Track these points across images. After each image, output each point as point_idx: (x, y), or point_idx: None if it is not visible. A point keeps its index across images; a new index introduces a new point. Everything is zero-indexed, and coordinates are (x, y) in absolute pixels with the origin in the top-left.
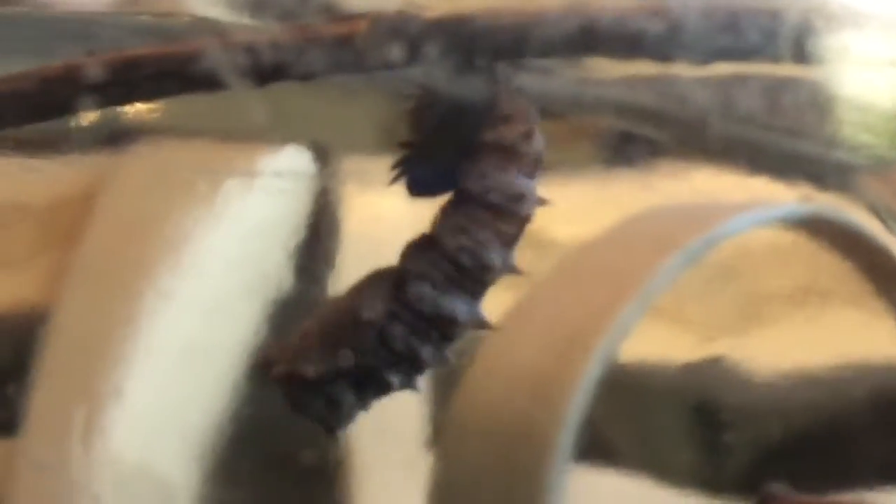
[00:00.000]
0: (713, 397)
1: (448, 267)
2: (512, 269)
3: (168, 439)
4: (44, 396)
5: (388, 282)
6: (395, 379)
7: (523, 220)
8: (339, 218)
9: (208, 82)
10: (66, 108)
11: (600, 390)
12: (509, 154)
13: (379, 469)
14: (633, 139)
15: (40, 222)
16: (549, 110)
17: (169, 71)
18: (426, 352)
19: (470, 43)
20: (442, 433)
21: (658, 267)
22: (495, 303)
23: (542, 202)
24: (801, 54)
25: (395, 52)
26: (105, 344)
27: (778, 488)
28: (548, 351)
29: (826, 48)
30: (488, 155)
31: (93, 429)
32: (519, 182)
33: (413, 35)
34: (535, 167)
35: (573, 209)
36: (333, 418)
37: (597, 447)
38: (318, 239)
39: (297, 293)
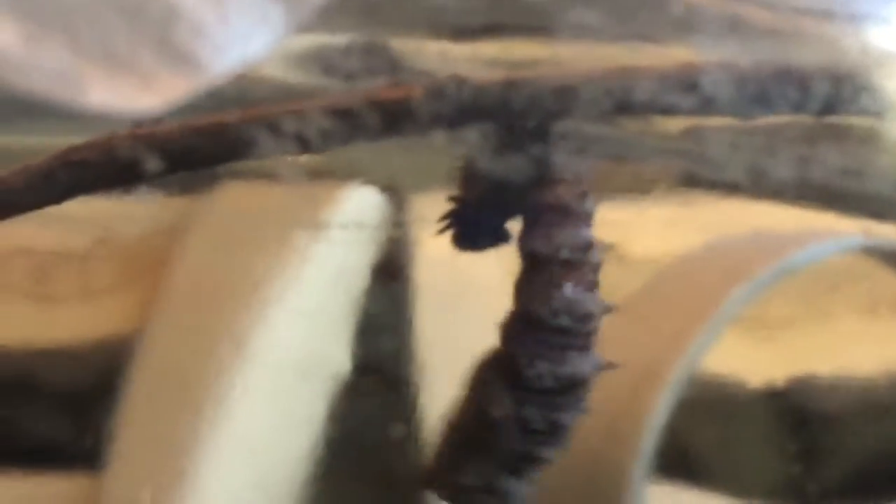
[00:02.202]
0: (798, 412)
1: (552, 335)
2: (608, 309)
3: (256, 489)
4: (130, 437)
5: (501, 371)
6: (547, 452)
7: (597, 267)
8: (411, 261)
9: (257, 158)
10: (126, 183)
11: (684, 407)
12: (568, 212)
13: None
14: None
15: (124, 257)
16: (611, 157)
17: (216, 147)
18: (566, 417)
19: (517, 108)
20: None
21: (728, 297)
22: None
23: (608, 248)
24: (831, 116)
25: (450, 115)
26: (190, 390)
27: None
28: (620, 384)
29: (869, 100)
30: (548, 215)
31: (180, 477)
32: (583, 233)
33: (466, 99)
34: (591, 222)
35: (652, 229)
36: None
37: (681, 463)
38: (391, 281)
39: (374, 336)
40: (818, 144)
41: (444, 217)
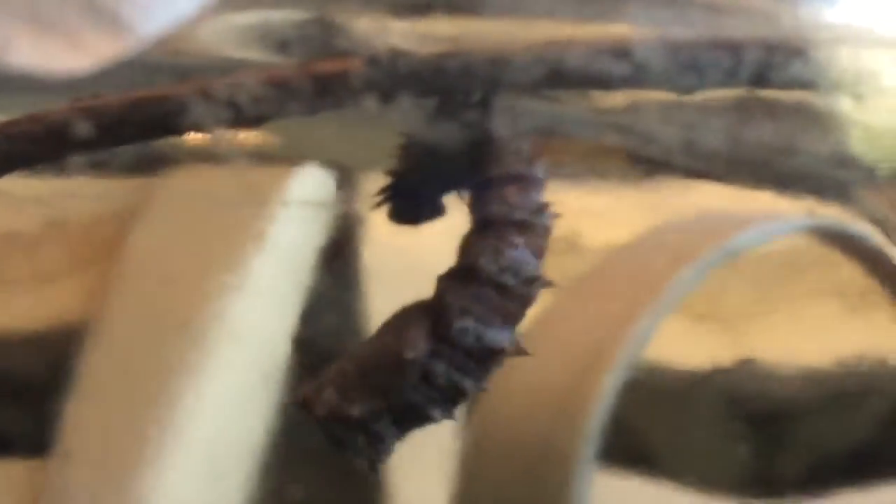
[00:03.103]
0: (743, 397)
1: (492, 294)
2: (547, 283)
3: (208, 476)
4: (79, 419)
5: (426, 318)
6: (436, 412)
7: (547, 231)
8: (360, 240)
9: (192, 129)
10: (60, 153)
11: (631, 394)
12: (522, 181)
13: (412, 477)
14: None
15: (75, 241)
16: (558, 134)
17: (152, 119)
18: (468, 384)
19: (451, 78)
20: (463, 448)
21: (674, 279)
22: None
23: (556, 215)
24: (763, 86)
25: (386, 87)
26: (142, 376)
27: None
28: (566, 365)
29: (803, 70)
30: (502, 184)
31: (130, 466)
32: (535, 197)
33: (402, 70)
34: (543, 189)
35: (606, 216)
36: (376, 454)
37: (627, 451)
38: (341, 261)
39: (324, 316)
40: (755, 121)
41: (381, 191)
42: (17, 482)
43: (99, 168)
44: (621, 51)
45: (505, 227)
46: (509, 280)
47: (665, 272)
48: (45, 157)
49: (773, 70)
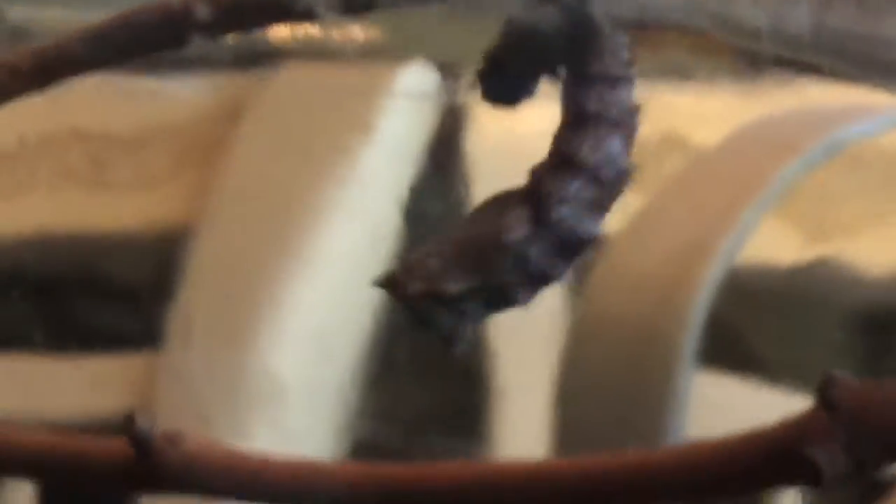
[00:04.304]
0: (845, 301)
1: (588, 186)
2: (633, 176)
3: (317, 352)
4: (189, 311)
5: (525, 205)
6: (521, 296)
7: (635, 130)
8: (465, 133)
9: (305, 14)
10: (181, 39)
11: (730, 294)
12: (619, 80)
13: (517, 371)
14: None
15: (181, 142)
16: (651, 23)
17: (268, 4)
18: (558, 270)
19: None
20: (570, 336)
21: (777, 172)
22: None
23: (639, 109)
24: None
25: None
26: (256, 261)
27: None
28: (671, 256)
29: None
30: (599, 81)
31: (241, 342)
32: (629, 98)
33: None
34: (633, 88)
35: (711, 114)
36: (459, 334)
37: (726, 352)
38: (446, 152)
39: (428, 203)
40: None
41: (477, 72)
42: (125, 375)
43: (205, 66)
44: None
45: (601, 123)
46: (606, 173)
47: (770, 165)
48: (165, 44)
49: None
